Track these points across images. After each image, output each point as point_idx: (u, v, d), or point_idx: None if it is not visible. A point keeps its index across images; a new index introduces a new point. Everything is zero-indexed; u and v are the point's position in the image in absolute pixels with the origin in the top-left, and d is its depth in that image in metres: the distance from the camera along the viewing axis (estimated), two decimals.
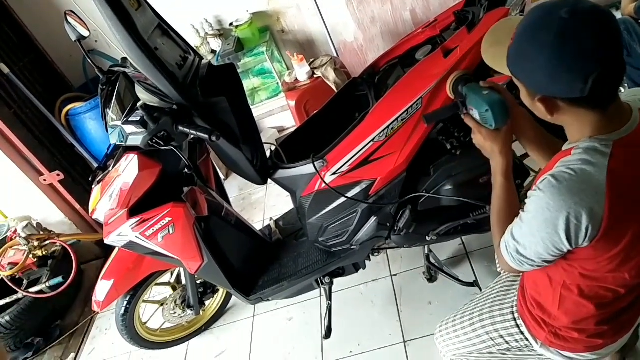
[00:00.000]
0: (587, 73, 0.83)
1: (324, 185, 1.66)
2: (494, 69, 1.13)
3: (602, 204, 0.88)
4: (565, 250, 0.95)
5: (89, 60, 1.76)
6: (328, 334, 1.98)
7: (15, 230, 2.80)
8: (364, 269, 2.01)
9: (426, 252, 2.13)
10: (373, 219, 1.74)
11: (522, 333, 1.24)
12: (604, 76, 0.84)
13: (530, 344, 1.23)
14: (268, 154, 1.85)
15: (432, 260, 2.16)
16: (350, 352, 2.08)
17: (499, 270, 1.56)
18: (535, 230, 0.95)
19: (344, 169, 1.63)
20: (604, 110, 0.90)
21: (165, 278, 2.31)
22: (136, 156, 1.61)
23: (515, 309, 1.27)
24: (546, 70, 0.86)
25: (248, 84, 3.52)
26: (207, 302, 2.40)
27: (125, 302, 2.08)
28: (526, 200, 0.98)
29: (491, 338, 1.30)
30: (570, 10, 0.82)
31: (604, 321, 1.10)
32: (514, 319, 1.26)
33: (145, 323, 2.33)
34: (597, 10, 0.84)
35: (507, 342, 1.28)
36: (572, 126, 0.96)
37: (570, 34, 0.82)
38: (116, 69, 1.69)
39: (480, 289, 1.96)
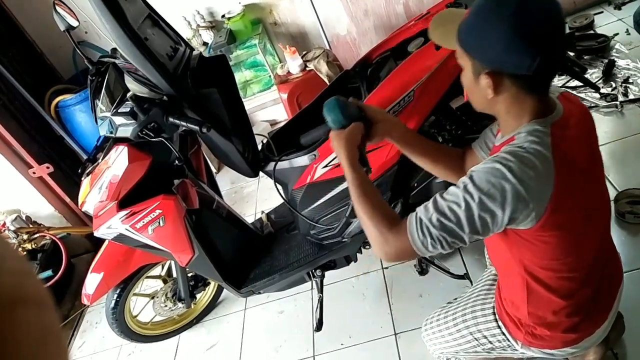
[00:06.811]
0: (537, 50, 0.87)
1: (315, 177, 1.65)
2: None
3: (551, 178, 0.93)
4: (493, 229, 0.94)
5: (79, 51, 1.73)
6: (319, 326, 1.98)
7: (4, 224, 2.78)
8: (355, 262, 2.01)
9: None
10: None
11: (503, 334, 1.25)
12: (549, 57, 0.89)
13: (512, 344, 1.25)
14: (260, 146, 1.84)
15: None
16: (342, 344, 2.09)
17: (487, 263, 1.57)
18: (475, 203, 0.92)
19: (336, 161, 1.62)
20: (540, 96, 0.96)
21: (156, 271, 2.30)
22: (126, 148, 1.59)
23: (496, 309, 1.29)
24: (501, 40, 0.89)
25: (240, 76, 3.50)
26: (198, 295, 2.39)
27: (116, 295, 2.07)
28: (468, 177, 0.95)
29: (475, 338, 1.30)
30: None
31: (575, 312, 1.12)
32: (495, 320, 1.27)
33: (136, 316, 2.32)
34: None
35: (490, 342, 1.29)
36: (509, 112, 1.00)
37: (529, 7, 0.87)
38: (106, 59, 1.67)
39: (471, 282, 1.96)
